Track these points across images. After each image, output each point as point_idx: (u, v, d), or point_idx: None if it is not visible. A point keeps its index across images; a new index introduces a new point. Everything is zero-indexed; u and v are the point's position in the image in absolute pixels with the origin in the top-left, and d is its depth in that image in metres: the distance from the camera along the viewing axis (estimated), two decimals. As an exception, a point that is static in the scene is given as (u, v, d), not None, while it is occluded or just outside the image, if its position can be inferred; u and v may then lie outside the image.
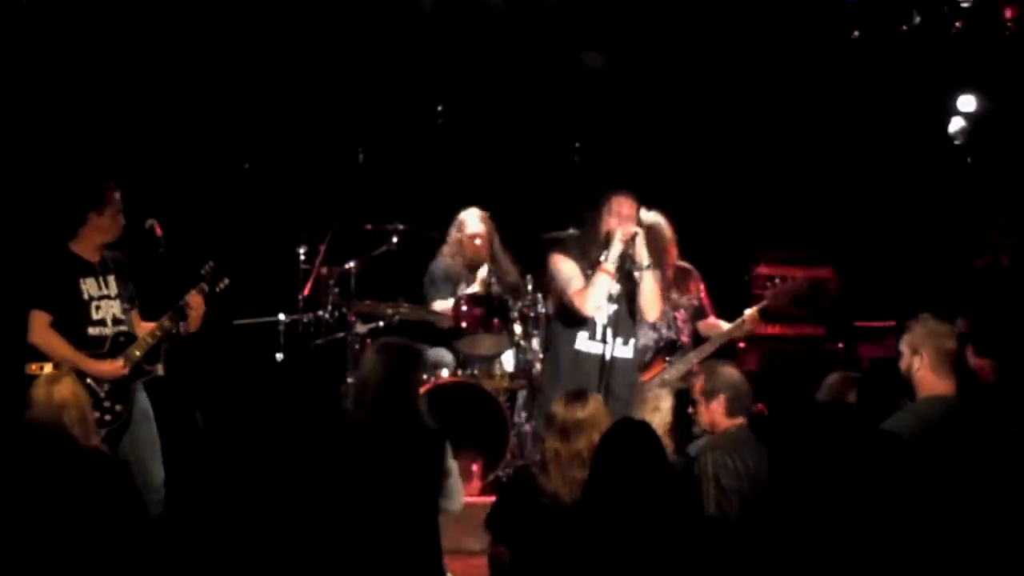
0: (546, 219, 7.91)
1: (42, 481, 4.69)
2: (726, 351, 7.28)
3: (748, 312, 7.19)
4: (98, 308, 6.18)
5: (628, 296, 6.24)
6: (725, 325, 7.23)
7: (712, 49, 8.93)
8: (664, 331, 7.02)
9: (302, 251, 7.94)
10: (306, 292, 7.89)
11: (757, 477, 4.98)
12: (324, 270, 7.85)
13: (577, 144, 8.58)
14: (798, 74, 9.00)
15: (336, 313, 7.79)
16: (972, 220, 8.39)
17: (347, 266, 7.82)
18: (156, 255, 7.00)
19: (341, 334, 7.79)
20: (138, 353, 6.18)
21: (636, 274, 6.17)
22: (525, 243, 7.90)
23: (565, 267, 6.29)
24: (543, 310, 7.38)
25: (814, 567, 4.00)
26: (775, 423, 5.38)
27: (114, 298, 6.24)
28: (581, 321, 6.22)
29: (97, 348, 6.14)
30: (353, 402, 5.06)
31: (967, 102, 8.52)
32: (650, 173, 8.61)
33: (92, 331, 6.14)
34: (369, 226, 8.01)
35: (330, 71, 8.81)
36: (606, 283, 6.12)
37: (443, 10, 8.54)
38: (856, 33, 8.35)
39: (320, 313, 7.82)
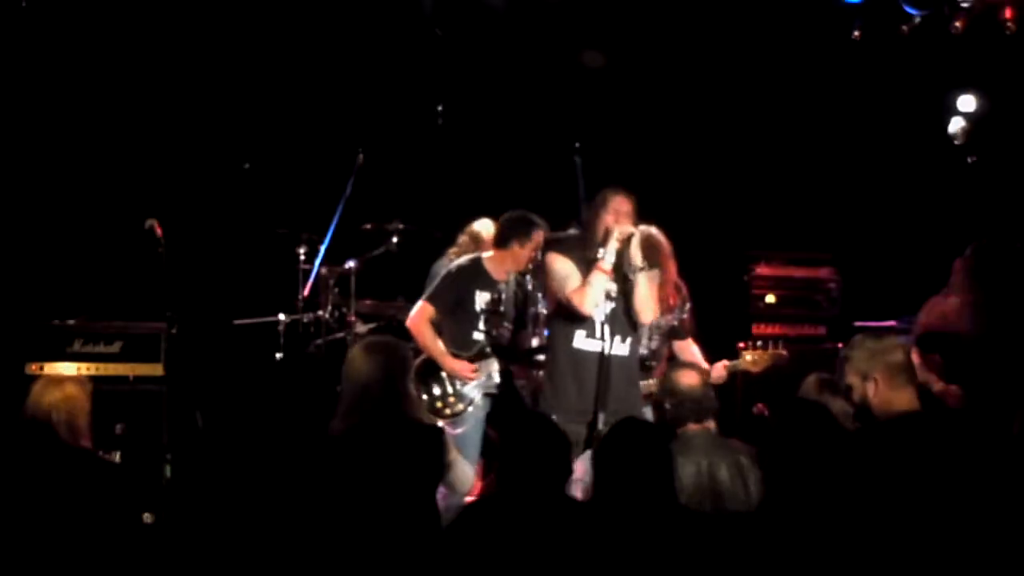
0: (546, 219, 7.90)
1: (21, 474, 4.71)
2: (728, 351, 7.22)
3: (720, 365, 6.78)
4: (485, 319, 6.78)
5: (625, 295, 6.25)
6: (698, 355, 6.90)
7: (712, 49, 8.93)
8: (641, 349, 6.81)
9: (302, 251, 7.94)
10: (306, 292, 7.89)
11: (713, 476, 4.96)
12: (324, 270, 7.85)
13: (577, 144, 8.57)
14: (798, 74, 9.00)
15: (336, 313, 7.79)
16: (972, 220, 8.40)
17: (347, 266, 7.82)
18: (156, 255, 7.02)
19: (341, 334, 7.79)
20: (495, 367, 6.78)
21: (630, 276, 6.19)
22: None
23: (561, 266, 6.28)
24: (543, 310, 7.37)
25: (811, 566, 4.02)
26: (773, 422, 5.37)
27: (500, 314, 6.86)
28: (579, 319, 6.21)
29: (466, 351, 6.74)
30: (349, 408, 4.89)
31: (967, 102, 8.51)
32: (650, 173, 8.62)
33: (476, 336, 6.78)
34: (369, 226, 8.00)
35: (330, 71, 8.81)
36: (602, 281, 6.14)
37: (443, 10, 8.54)
38: (856, 33, 8.35)
39: (320, 313, 7.82)
